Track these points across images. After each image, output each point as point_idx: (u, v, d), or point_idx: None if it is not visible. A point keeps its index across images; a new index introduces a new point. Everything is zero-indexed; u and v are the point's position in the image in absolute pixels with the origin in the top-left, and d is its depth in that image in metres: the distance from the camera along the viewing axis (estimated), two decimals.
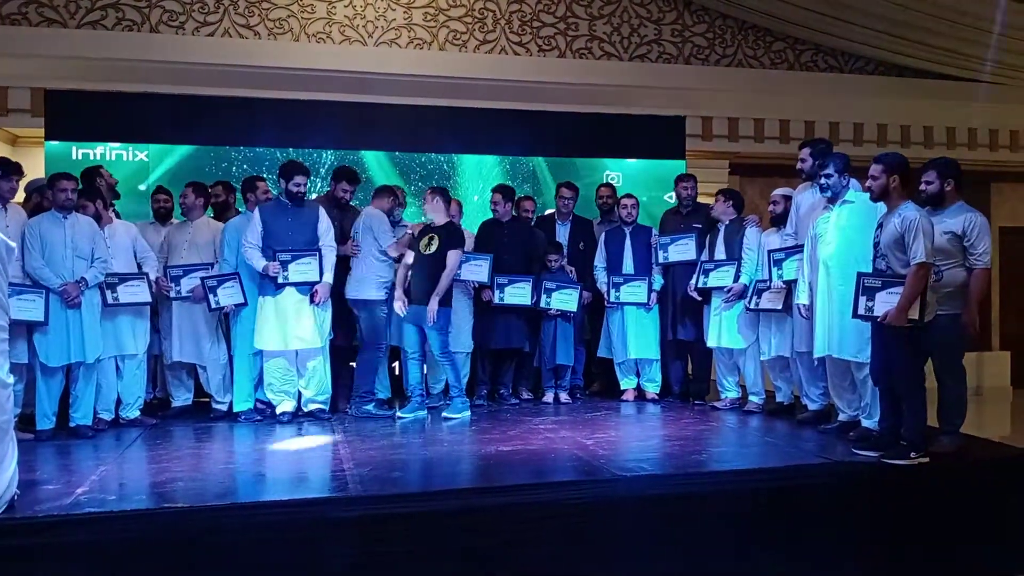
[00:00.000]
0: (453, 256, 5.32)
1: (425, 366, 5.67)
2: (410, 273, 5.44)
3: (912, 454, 4.04)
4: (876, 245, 4.14)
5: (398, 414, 5.46)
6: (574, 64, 7.81)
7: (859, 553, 3.89)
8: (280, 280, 5.18)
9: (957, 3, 7.12)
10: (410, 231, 5.64)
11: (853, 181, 4.68)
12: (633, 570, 3.63)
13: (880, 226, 4.15)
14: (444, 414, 5.47)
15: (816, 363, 4.90)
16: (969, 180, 9.45)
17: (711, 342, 5.66)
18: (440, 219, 5.46)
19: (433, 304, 5.24)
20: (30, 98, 6.80)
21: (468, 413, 5.48)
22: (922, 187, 4.51)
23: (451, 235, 5.39)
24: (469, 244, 5.90)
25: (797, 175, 5.24)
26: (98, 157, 6.50)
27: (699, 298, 5.71)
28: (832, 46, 8.36)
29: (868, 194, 4.33)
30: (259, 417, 5.35)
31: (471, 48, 7.58)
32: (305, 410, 5.38)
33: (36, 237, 4.76)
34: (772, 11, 7.88)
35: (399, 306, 5.39)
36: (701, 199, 6.20)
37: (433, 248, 5.33)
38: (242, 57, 6.99)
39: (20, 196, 5.25)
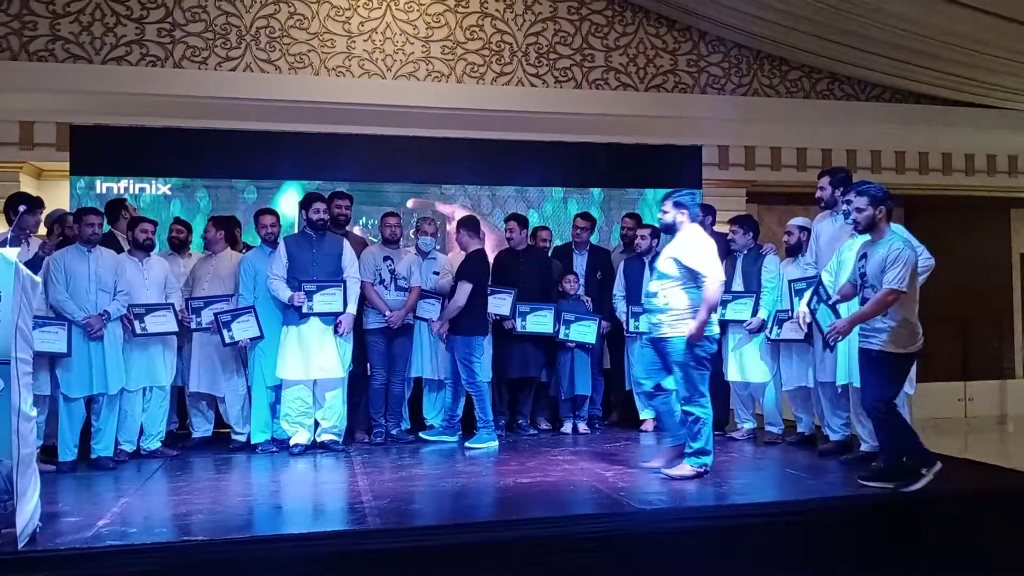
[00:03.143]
0: (461, 288, 5.41)
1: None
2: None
3: (923, 470, 4.04)
4: (863, 275, 4.15)
5: (423, 435, 5.68)
6: (591, 95, 7.86)
7: None
8: (305, 310, 5.22)
9: (974, 31, 7.11)
10: (444, 279, 5.75)
11: None
12: None
13: (864, 256, 4.17)
14: (467, 443, 5.46)
15: (839, 391, 4.85)
16: (989, 206, 9.51)
17: (731, 376, 5.62)
18: (470, 248, 5.57)
19: (436, 326, 5.50)
20: (55, 133, 6.92)
21: (495, 444, 5.51)
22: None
23: (464, 265, 5.49)
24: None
25: (815, 203, 5.23)
26: (122, 191, 6.60)
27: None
28: (848, 74, 8.36)
29: (894, 225, 4.37)
30: (275, 449, 5.36)
31: (488, 80, 7.66)
32: (319, 440, 5.38)
33: (60, 270, 4.83)
34: (787, 40, 7.91)
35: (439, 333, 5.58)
36: (718, 227, 6.19)
37: (450, 280, 5.51)
38: (263, 91, 7.09)
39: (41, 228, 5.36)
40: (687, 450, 4.44)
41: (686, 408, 4.43)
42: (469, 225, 5.64)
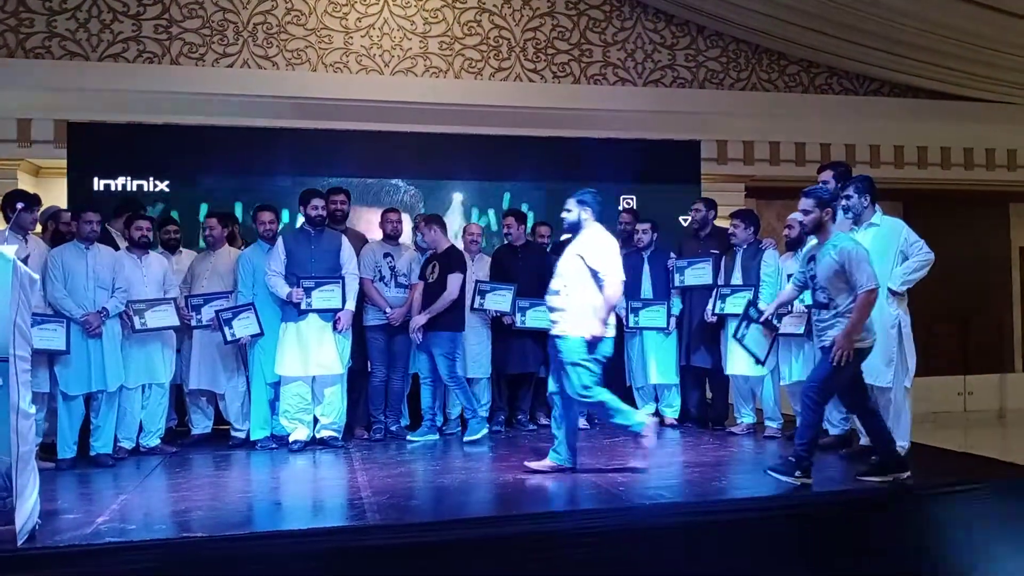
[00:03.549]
0: (453, 280, 5.39)
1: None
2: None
3: (797, 472, 4.03)
4: (812, 278, 4.14)
5: (409, 437, 5.53)
6: (589, 90, 7.85)
7: None
8: (303, 307, 5.21)
9: (973, 25, 7.11)
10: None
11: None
12: None
13: (812, 259, 4.16)
14: (464, 438, 5.48)
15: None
16: (987, 201, 9.51)
17: (730, 369, 5.62)
18: (442, 245, 5.56)
19: (421, 319, 5.37)
20: (53, 130, 6.91)
21: (486, 430, 5.55)
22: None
23: (449, 260, 5.47)
24: (486, 270, 5.96)
25: None
26: (120, 188, 6.59)
27: (714, 320, 5.68)
28: (847, 68, 8.36)
29: (893, 219, 4.37)
30: (275, 445, 5.36)
31: (486, 76, 7.65)
32: (318, 436, 5.38)
33: (58, 267, 4.82)
34: (786, 35, 7.91)
35: (415, 334, 5.45)
36: (718, 222, 6.18)
37: (435, 275, 5.44)
38: (261, 88, 7.09)
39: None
40: (627, 431, 4.41)
41: (587, 403, 4.39)
42: (439, 222, 5.68)
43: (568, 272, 4.38)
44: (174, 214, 6.44)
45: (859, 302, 3.95)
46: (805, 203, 4.11)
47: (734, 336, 5.30)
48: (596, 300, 4.28)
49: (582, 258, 4.33)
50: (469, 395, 5.60)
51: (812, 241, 4.27)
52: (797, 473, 3.99)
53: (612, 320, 4.39)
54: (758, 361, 5.26)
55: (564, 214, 4.51)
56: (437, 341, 5.45)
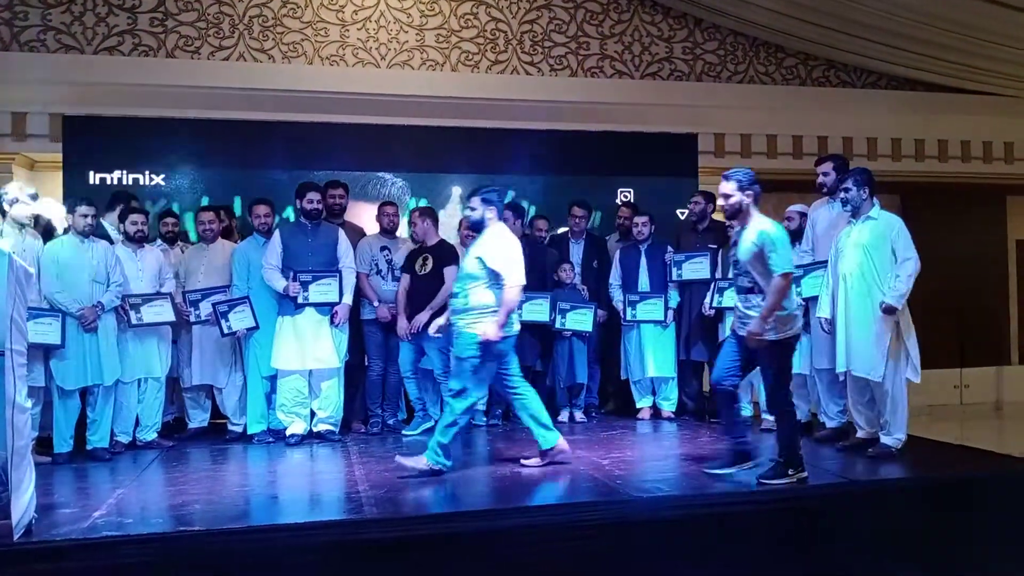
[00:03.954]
0: (450, 273, 5.40)
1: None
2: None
3: (790, 471, 3.97)
4: (736, 263, 4.11)
5: (404, 432, 5.52)
6: (586, 83, 7.83)
7: (883, 572, 3.83)
8: (300, 300, 5.20)
9: (970, 17, 7.09)
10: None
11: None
12: None
13: (735, 243, 4.12)
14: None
15: (836, 379, 4.85)
16: (984, 194, 9.50)
17: None
18: (432, 238, 5.54)
19: (424, 316, 5.33)
20: (48, 123, 6.88)
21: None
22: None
23: (445, 253, 5.47)
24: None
25: (811, 191, 5.22)
26: (115, 182, 6.57)
27: (712, 313, 5.67)
28: (844, 61, 8.34)
29: (890, 214, 4.36)
30: (271, 439, 5.36)
31: (483, 69, 7.62)
32: (315, 430, 5.38)
33: (54, 262, 4.80)
34: (783, 27, 7.88)
35: (402, 328, 5.42)
36: (716, 216, 6.17)
37: (428, 268, 5.42)
38: (257, 81, 7.06)
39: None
40: (432, 442, 4.28)
41: (452, 400, 4.30)
42: (433, 215, 5.68)
43: (471, 273, 4.31)
44: (175, 207, 6.43)
45: (772, 286, 3.87)
46: (725, 187, 4.04)
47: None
48: (495, 301, 4.24)
49: (482, 259, 4.26)
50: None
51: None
52: (789, 472, 3.95)
53: (514, 317, 4.35)
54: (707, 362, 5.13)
55: (467, 211, 4.43)
56: (434, 336, 5.42)
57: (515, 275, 4.25)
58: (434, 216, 5.67)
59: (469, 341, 4.25)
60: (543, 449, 4.45)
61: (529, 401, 4.47)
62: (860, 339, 4.50)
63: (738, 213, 4.07)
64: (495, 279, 4.26)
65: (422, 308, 5.37)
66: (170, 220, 5.87)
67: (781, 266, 3.86)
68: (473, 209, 4.40)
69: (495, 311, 4.24)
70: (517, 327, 4.44)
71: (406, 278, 5.54)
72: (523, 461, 4.50)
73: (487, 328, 4.20)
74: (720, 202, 4.13)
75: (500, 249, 4.28)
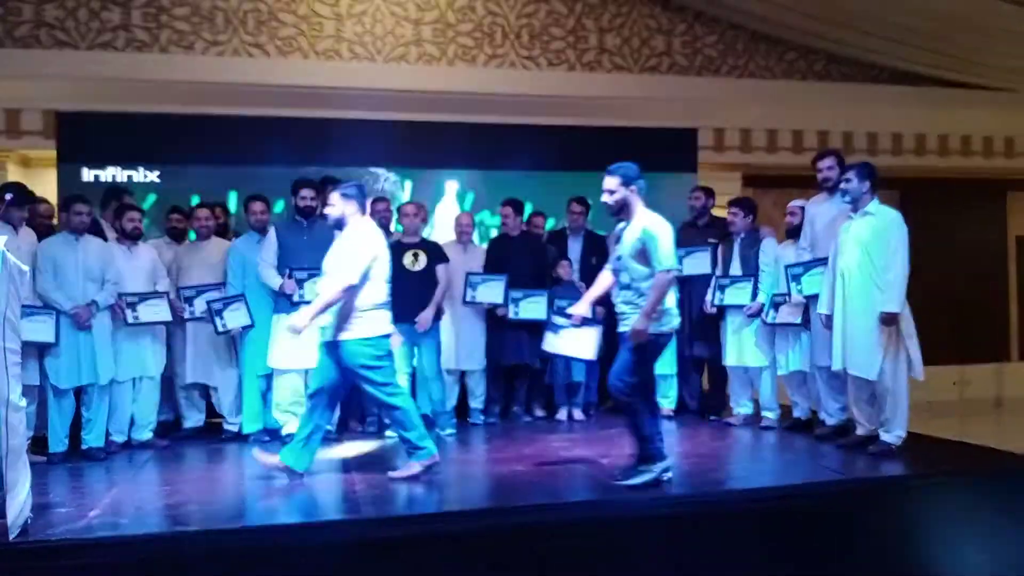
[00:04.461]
0: (444, 270, 5.38)
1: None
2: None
3: (642, 467, 3.89)
4: (619, 259, 4.01)
5: (387, 433, 5.41)
6: (584, 77, 7.79)
7: (883, 571, 3.80)
8: (296, 298, 5.16)
9: (972, 11, 7.07)
10: None
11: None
12: None
13: (619, 239, 4.04)
14: (443, 433, 5.41)
15: (836, 376, 4.82)
16: (985, 189, 9.48)
17: (730, 360, 5.59)
18: (420, 234, 5.54)
19: (429, 314, 5.29)
20: (42, 120, 6.83)
21: (453, 432, 5.47)
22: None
23: (437, 250, 5.47)
24: (477, 260, 5.91)
25: (811, 186, 5.19)
26: (110, 178, 6.53)
27: (714, 311, 5.65)
28: (846, 55, 8.30)
29: (890, 209, 4.32)
30: (268, 438, 5.32)
31: (480, 63, 7.58)
32: None
33: (48, 259, 4.76)
34: (784, 21, 7.85)
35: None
36: (716, 211, 6.15)
37: (421, 265, 5.37)
38: (252, 76, 7.01)
39: None
40: (409, 448, 4.17)
41: (387, 404, 4.16)
42: (425, 211, 5.68)
43: (331, 270, 4.16)
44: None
45: (655, 282, 3.82)
46: (609, 182, 3.96)
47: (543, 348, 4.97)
48: (364, 300, 4.07)
49: (337, 256, 4.13)
50: (446, 389, 5.60)
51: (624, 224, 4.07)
52: (640, 468, 3.87)
53: (383, 318, 4.16)
54: (587, 361, 5.02)
55: (328, 209, 4.28)
56: (431, 332, 5.40)
57: (345, 273, 4.03)
58: (425, 212, 5.65)
59: (353, 348, 4.08)
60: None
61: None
62: (857, 337, 4.48)
63: (622, 209, 3.99)
64: (365, 278, 4.09)
65: (415, 306, 5.30)
66: (175, 216, 5.83)
67: (664, 262, 3.81)
68: (332, 206, 4.23)
69: (366, 310, 4.07)
70: (387, 329, 4.22)
71: None
72: (391, 474, 4.24)
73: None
74: (604, 197, 4.02)
75: (350, 245, 4.11)
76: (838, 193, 4.80)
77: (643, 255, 3.87)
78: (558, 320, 4.79)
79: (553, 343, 4.66)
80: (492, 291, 5.70)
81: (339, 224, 4.24)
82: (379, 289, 4.17)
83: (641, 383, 3.97)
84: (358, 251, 4.10)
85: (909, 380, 4.52)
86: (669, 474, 3.93)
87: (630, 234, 3.94)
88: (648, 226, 3.87)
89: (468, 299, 5.70)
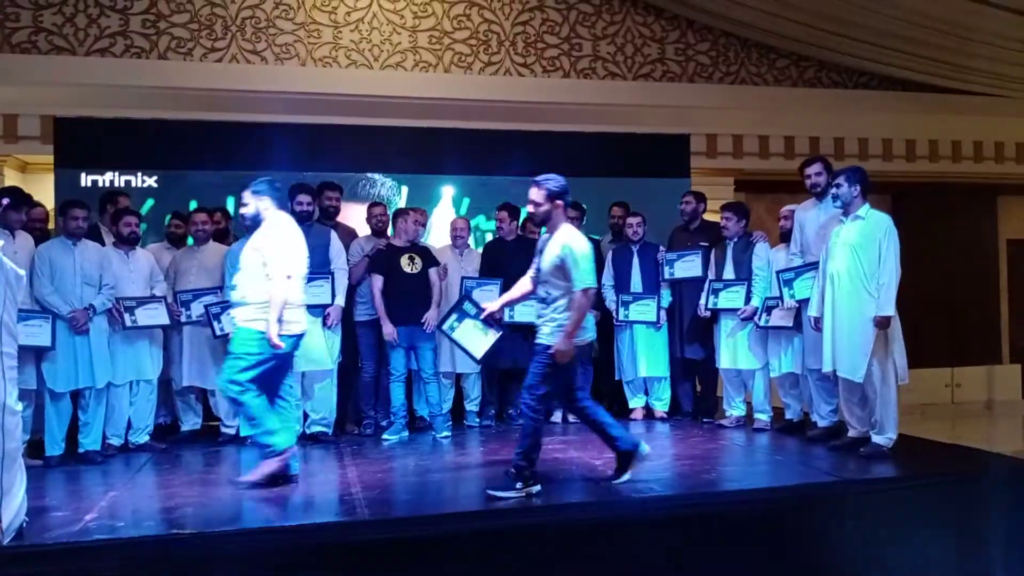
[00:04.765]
0: (437, 273, 5.43)
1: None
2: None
3: (518, 484, 3.80)
4: (539, 271, 3.97)
5: (383, 437, 5.45)
6: (578, 84, 7.85)
7: (875, 571, 3.84)
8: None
9: (962, 17, 7.14)
10: (367, 255, 5.63)
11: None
12: None
13: (541, 251, 4.01)
14: (439, 435, 5.45)
15: (828, 378, 4.87)
16: (976, 193, 9.55)
17: (724, 363, 5.63)
18: (414, 239, 5.57)
19: (434, 312, 5.35)
20: (39, 125, 6.88)
21: (448, 434, 5.49)
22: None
23: (429, 254, 5.53)
24: (472, 264, 5.95)
25: (803, 191, 5.24)
26: (107, 183, 6.55)
27: (708, 315, 5.69)
28: (836, 62, 8.38)
29: (880, 213, 4.37)
30: None
31: (476, 70, 7.64)
32: (308, 432, 5.37)
33: (45, 263, 4.78)
34: (775, 28, 7.92)
35: (389, 332, 5.35)
36: (707, 216, 6.19)
37: (417, 267, 5.42)
38: (250, 82, 7.07)
39: None
40: (261, 444, 4.09)
41: (230, 396, 4.09)
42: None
43: (245, 265, 4.13)
44: (192, 206, 6.39)
45: (575, 302, 3.78)
46: (535, 194, 3.92)
47: (438, 327, 5.03)
48: (264, 294, 4.03)
49: (259, 252, 4.08)
50: (443, 392, 5.64)
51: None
52: (518, 485, 3.78)
53: (296, 318, 4.14)
54: (473, 359, 5.05)
55: (241, 208, 4.25)
56: (428, 335, 5.44)
57: (280, 268, 4.01)
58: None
59: (245, 337, 4.05)
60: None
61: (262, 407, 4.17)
62: (846, 340, 4.52)
63: (546, 221, 3.96)
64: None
65: (411, 307, 5.35)
66: (175, 222, 5.87)
67: (582, 281, 3.77)
68: (245, 205, 4.19)
69: (263, 303, 4.02)
70: (299, 328, 4.18)
71: (379, 279, 5.42)
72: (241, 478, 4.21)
73: (264, 323, 3.97)
74: (529, 208, 4.00)
75: (271, 242, 4.07)
76: (827, 198, 4.86)
77: (562, 271, 3.83)
78: (468, 308, 4.83)
79: (454, 329, 4.71)
80: (487, 295, 5.73)
81: (255, 221, 4.19)
82: (292, 287, 4.10)
83: (562, 390, 3.98)
84: (286, 243, 4.09)
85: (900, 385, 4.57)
86: (536, 500, 3.78)
87: (551, 249, 3.89)
88: (569, 243, 3.82)
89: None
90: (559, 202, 3.92)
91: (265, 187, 4.20)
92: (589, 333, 4.00)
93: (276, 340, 3.98)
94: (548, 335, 3.88)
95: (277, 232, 4.14)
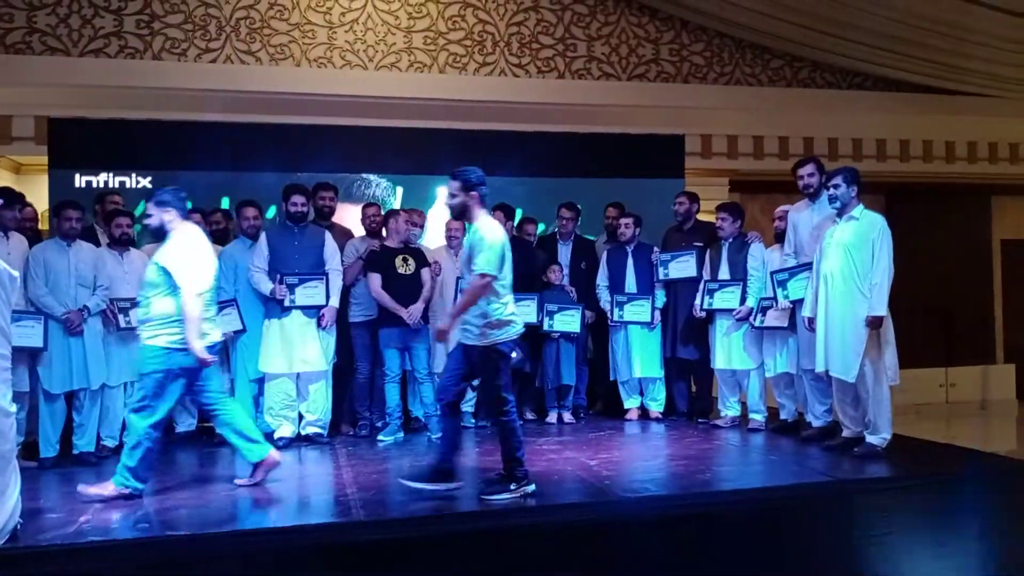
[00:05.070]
0: (429, 273, 5.46)
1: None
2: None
3: (512, 486, 3.81)
4: (468, 261, 3.93)
5: (380, 437, 5.43)
6: (573, 85, 7.86)
7: (871, 571, 3.85)
8: (287, 303, 5.19)
9: (956, 18, 7.16)
10: (360, 257, 5.63)
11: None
12: None
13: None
14: (433, 437, 5.42)
15: (822, 378, 4.88)
16: (970, 194, 9.59)
17: (719, 364, 5.64)
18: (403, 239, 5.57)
19: (419, 307, 5.36)
20: (34, 126, 6.86)
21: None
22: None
23: (421, 255, 5.55)
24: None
25: (797, 191, 5.25)
26: (101, 184, 6.54)
27: (703, 315, 5.70)
28: (830, 62, 8.40)
29: (873, 213, 4.38)
30: None
31: (471, 71, 7.64)
32: (303, 433, 5.37)
33: (40, 265, 4.78)
34: (769, 29, 7.94)
35: (408, 313, 5.30)
36: (702, 216, 6.21)
37: (411, 268, 5.43)
38: (244, 83, 7.06)
39: None
40: (120, 465, 3.95)
41: (132, 416, 3.96)
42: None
43: (150, 280, 3.99)
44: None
45: (470, 283, 3.78)
46: (452, 185, 3.94)
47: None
48: (177, 309, 3.92)
49: (160, 265, 3.96)
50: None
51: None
52: (512, 486, 3.80)
53: (207, 328, 4.03)
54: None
55: (146, 220, 4.15)
56: (422, 336, 5.45)
57: (190, 282, 3.89)
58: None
59: (150, 354, 3.93)
60: (255, 462, 4.17)
61: (231, 416, 4.16)
62: (839, 340, 4.53)
63: (463, 213, 3.97)
64: (175, 287, 3.91)
65: (405, 307, 5.35)
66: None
67: (482, 266, 3.74)
68: (150, 216, 4.07)
69: (177, 320, 3.91)
70: (215, 337, 4.11)
71: (377, 277, 5.41)
72: (236, 481, 4.21)
73: (179, 338, 3.87)
74: (446, 200, 4.04)
75: (175, 253, 3.96)
76: (820, 199, 4.87)
77: (471, 260, 3.84)
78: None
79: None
80: (526, 311, 5.74)
81: (160, 233, 4.09)
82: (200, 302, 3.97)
83: (500, 395, 3.91)
84: (193, 255, 3.99)
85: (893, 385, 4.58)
86: (531, 500, 3.79)
87: (467, 240, 3.92)
88: (480, 228, 3.83)
89: None
90: (474, 193, 3.91)
91: (170, 196, 4.06)
92: (514, 329, 3.91)
93: (204, 355, 3.89)
94: (469, 335, 3.85)
95: (183, 246, 4.01)
